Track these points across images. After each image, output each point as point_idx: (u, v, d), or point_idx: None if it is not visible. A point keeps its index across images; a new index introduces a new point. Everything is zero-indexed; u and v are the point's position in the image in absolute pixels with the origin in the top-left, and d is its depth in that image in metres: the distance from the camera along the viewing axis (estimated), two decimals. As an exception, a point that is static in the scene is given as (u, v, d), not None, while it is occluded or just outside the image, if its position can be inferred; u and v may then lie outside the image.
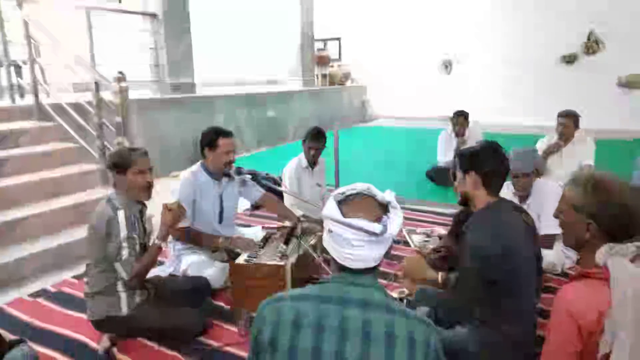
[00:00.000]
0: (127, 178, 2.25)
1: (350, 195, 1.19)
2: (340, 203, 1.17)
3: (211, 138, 2.87)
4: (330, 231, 1.15)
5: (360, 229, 1.10)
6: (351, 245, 1.12)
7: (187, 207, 2.77)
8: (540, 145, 4.29)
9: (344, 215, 1.13)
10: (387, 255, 1.20)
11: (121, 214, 2.17)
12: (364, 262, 1.14)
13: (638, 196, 1.35)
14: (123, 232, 2.16)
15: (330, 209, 1.16)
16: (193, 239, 2.87)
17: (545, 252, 2.33)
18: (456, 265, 2.54)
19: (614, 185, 1.34)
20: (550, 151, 4.17)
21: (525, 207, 2.92)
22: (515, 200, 3.04)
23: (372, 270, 1.17)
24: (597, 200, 1.33)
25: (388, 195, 1.20)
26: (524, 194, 3.02)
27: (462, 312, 1.94)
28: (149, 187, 2.32)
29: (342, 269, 1.17)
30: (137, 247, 2.25)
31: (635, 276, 1.22)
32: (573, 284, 1.34)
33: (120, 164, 2.25)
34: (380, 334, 1.08)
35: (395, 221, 1.15)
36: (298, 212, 3.41)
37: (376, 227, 1.10)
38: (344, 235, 1.12)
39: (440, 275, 2.57)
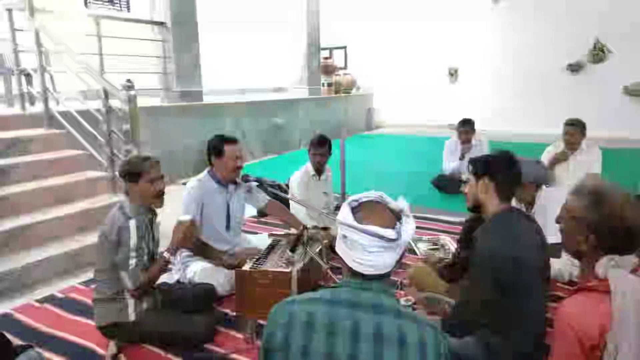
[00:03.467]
0: (139, 186, 2.27)
1: (364, 202, 1.21)
2: (354, 210, 1.19)
3: (217, 145, 2.91)
4: (344, 236, 1.17)
5: (374, 234, 1.12)
6: (364, 250, 1.14)
7: (195, 214, 2.79)
8: (547, 154, 4.28)
9: (358, 222, 1.15)
10: (399, 263, 1.21)
11: (132, 223, 2.19)
12: (376, 268, 1.15)
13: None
14: (133, 242, 2.18)
15: (345, 214, 1.17)
16: (199, 250, 2.87)
17: (552, 261, 2.32)
18: (462, 275, 2.54)
19: (617, 200, 1.32)
20: (557, 160, 4.16)
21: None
22: (522, 209, 3.05)
23: (384, 277, 1.18)
24: (598, 214, 1.32)
25: (401, 204, 1.22)
26: (522, 203, 3.01)
27: (472, 322, 1.93)
28: (161, 194, 2.35)
29: (354, 274, 1.18)
30: (146, 257, 2.27)
31: (636, 288, 1.22)
32: (574, 297, 1.33)
33: (133, 173, 2.27)
34: (393, 337, 1.09)
35: (408, 228, 1.17)
36: (310, 223, 3.41)
37: (390, 233, 1.12)
38: (358, 241, 1.13)
39: (445, 284, 2.57)
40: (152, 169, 2.30)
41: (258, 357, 1.23)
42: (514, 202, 2.99)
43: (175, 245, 2.37)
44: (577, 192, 1.40)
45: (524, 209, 3.05)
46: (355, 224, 1.14)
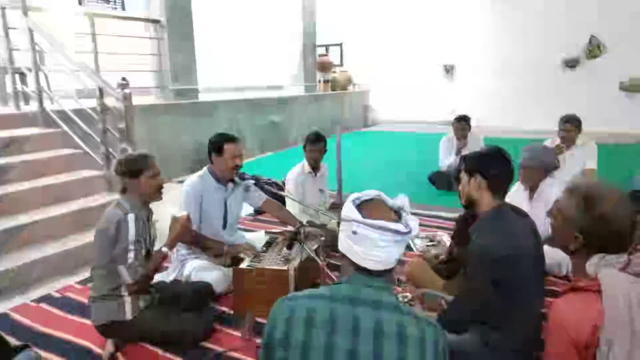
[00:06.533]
0: (140, 182, 2.30)
1: (366, 200, 1.23)
2: (358, 207, 1.20)
3: (217, 143, 2.92)
4: (354, 233, 1.17)
5: (387, 229, 1.13)
6: (377, 246, 1.15)
7: (194, 210, 2.81)
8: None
9: (365, 218, 1.16)
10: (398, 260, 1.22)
11: (131, 217, 2.21)
12: (383, 264, 1.17)
13: (634, 207, 1.33)
14: (132, 236, 2.20)
15: (351, 212, 1.19)
16: (200, 241, 2.89)
17: (552, 253, 2.31)
18: (457, 271, 2.55)
19: (609, 204, 1.31)
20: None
21: (531, 204, 3.08)
22: (526, 195, 3.16)
23: (386, 273, 1.20)
24: (589, 218, 1.32)
25: (400, 201, 1.24)
26: (528, 185, 3.16)
27: (469, 317, 1.93)
28: (160, 188, 2.40)
29: (360, 270, 1.19)
30: (143, 252, 2.28)
31: (626, 286, 1.22)
32: (566, 297, 1.33)
33: (134, 169, 2.30)
34: (392, 333, 1.11)
35: (414, 222, 1.19)
36: (303, 218, 3.42)
37: (400, 227, 1.14)
38: (370, 237, 1.15)
39: (442, 281, 2.58)
40: (152, 165, 2.35)
41: (258, 353, 1.23)
42: (518, 187, 3.17)
43: (172, 241, 2.40)
44: (571, 192, 1.40)
45: (526, 196, 3.17)
46: (367, 220, 1.15)
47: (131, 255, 2.20)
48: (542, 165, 3.08)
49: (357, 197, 1.24)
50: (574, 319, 1.25)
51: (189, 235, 2.60)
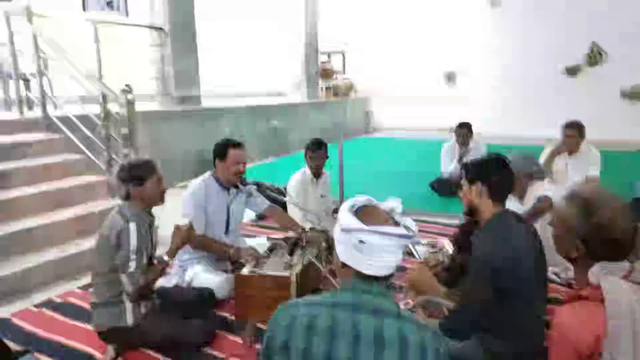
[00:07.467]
0: (147, 188, 2.31)
1: (361, 207, 1.22)
2: (356, 215, 1.19)
3: (222, 148, 2.94)
4: (362, 242, 1.15)
5: (393, 234, 1.14)
6: (385, 252, 1.15)
7: (199, 216, 2.83)
8: (544, 155, 4.28)
9: (367, 226, 1.15)
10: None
11: (133, 226, 2.20)
12: (389, 268, 1.17)
13: (635, 214, 1.33)
14: (133, 245, 2.19)
15: (353, 221, 1.17)
16: (204, 244, 2.90)
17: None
18: (460, 279, 2.54)
19: (608, 211, 1.31)
20: (556, 151, 4.14)
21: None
22: (516, 201, 3.15)
23: (386, 279, 1.19)
24: (588, 224, 1.32)
25: (391, 203, 1.24)
26: (515, 195, 3.11)
27: (470, 325, 1.93)
28: (164, 193, 2.42)
29: (366, 278, 1.18)
30: (145, 259, 2.27)
31: (629, 295, 1.22)
32: (569, 306, 1.33)
33: (140, 175, 2.30)
34: (393, 339, 1.10)
35: (411, 224, 1.20)
36: (306, 225, 3.42)
37: (405, 230, 1.15)
38: (377, 244, 1.14)
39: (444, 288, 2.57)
40: (158, 170, 2.37)
41: (258, 360, 1.23)
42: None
43: (173, 252, 2.39)
44: (570, 199, 1.40)
45: (516, 201, 3.14)
46: (372, 227, 1.14)
47: (132, 264, 2.19)
48: (522, 174, 3.03)
49: (351, 205, 1.22)
50: (576, 328, 1.24)
51: (190, 241, 2.59)
